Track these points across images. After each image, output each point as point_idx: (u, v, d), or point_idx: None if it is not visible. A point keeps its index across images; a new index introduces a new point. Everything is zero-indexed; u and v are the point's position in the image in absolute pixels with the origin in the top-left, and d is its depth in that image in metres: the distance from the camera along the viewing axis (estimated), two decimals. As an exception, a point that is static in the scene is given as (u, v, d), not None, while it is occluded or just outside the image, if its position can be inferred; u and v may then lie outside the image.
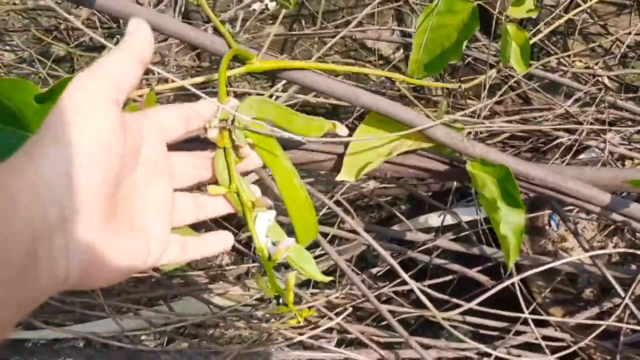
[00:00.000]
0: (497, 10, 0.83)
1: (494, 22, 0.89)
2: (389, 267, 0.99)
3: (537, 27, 1.30)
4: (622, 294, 0.66)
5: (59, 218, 0.28)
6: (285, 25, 1.65)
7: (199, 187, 0.41)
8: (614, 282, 0.67)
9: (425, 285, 0.73)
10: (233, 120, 0.40)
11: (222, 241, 0.40)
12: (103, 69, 0.32)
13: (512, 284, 0.72)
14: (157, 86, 0.50)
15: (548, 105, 1.16)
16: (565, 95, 1.30)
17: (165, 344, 0.91)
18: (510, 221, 0.58)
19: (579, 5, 0.94)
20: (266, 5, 1.66)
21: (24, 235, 0.26)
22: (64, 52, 1.48)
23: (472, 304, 0.62)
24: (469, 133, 0.88)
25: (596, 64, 1.36)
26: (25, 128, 0.46)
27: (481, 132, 0.96)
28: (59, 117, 0.29)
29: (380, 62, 1.50)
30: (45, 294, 0.29)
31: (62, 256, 0.28)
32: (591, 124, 0.87)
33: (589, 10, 1.50)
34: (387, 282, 0.90)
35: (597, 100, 0.91)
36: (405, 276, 0.63)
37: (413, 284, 0.61)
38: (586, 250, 0.67)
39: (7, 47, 1.53)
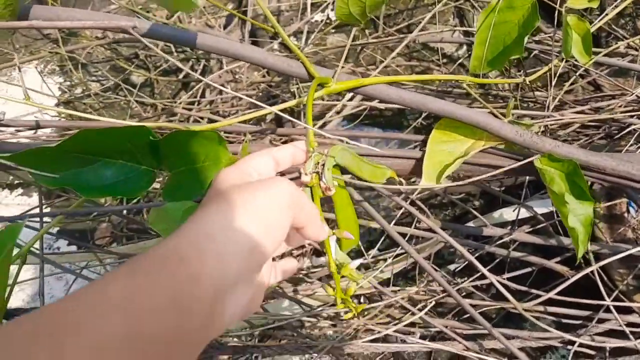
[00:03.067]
0: (557, 3, 0.84)
1: (556, 11, 0.90)
2: (466, 262, 1.02)
3: (605, 12, 1.28)
4: None
5: (235, 278, 0.36)
6: (346, 32, 1.70)
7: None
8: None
9: (504, 278, 0.75)
10: (323, 165, 0.47)
11: (292, 264, 0.51)
12: (244, 164, 0.45)
13: (592, 272, 0.73)
14: (245, 114, 0.56)
15: (620, 90, 1.14)
16: (638, 78, 1.27)
17: (257, 341, 0.97)
18: (579, 213, 0.60)
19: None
20: (327, 15, 1.72)
21: (209, 294, 0.35)
22: (144, 79, 1.60)
23: (552, 294, 0.64)
24: (540, 127, 0.89)
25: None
26: (140, 162, 0.54)
27: (552, 125, 0.97)
28: (226, 206, 0.38)
29: (444, 60, 1.51)
30: (208, 340, 0.36)
31: (231, 310, 0.37)
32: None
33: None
34: (465, 277, 0.93)
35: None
36: (484, 270, 0.66)
37: (492, 278, 0.64)
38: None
39: (93, 78, 1.67)
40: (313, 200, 0.50)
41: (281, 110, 0.60)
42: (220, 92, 1.32)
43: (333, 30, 1.68)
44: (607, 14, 0.90)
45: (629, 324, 0.77)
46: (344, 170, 0.56)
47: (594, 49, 0.81)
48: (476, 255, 0.83)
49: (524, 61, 1.38)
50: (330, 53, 1.55)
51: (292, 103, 0.65)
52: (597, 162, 0.64)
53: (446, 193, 1.02)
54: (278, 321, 0.67)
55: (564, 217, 0.62)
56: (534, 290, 0.75)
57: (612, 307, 0.70)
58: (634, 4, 1.41)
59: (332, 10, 1.71)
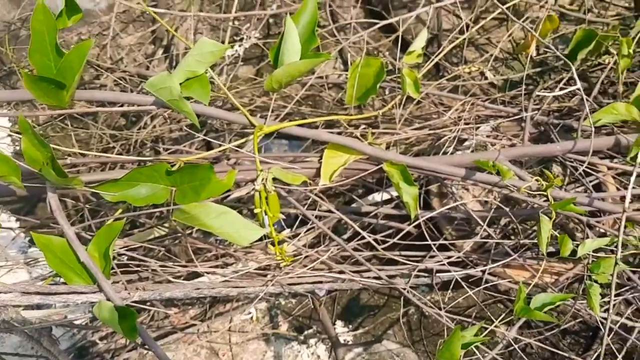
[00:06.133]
0: (397, 60, 1.33)
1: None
2: (353, 230, 1.50)
3: (442, 47, 1.81)
4: (481, 224, 1.18)
5: None
6: (253, 64, 2.16)
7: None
8: (477, 219, 1.19)
9: (375, 239, 1.24)
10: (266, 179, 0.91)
11: None
12: None
13: (424, 227, 1.24)
14: (200, 153, 1.00)
15: (448, 106, 1.68)
16: (464, 92, 1.82)
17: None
18: (409, 193, 1.10)
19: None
20: (236, 51, 2.15)
21: None
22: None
23: (395, 239, 1.14)
24: (387, 144, 1.38)
25: (485, 68, 1.91)
26: (160, 183, 0.95)
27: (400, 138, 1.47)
28: None
29: (329, 84, 2.00)
30: None
31: None
32: (466, 123, 1.38)
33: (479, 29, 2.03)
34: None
35: (469, 106, 1.43)
36: (360, 230, 1.14)
37: (366, 235, 1.12)
38: (463, 205, 1.19)
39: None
40: (260, 199, 0.95)
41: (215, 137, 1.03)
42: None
43: (242, 63, 2.11)
44: (442, 49, 1.39)
45: (449, 257, 1.29)
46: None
47: (432, 77, 1.31)
48: (357, 223, 1.31)
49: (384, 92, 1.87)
50: (241, 83, 1.98)
51: (241, 142, 1.08)
52: (417, 164, 1.14)
53: (338, 185, 1.49)
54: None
55: (401, 196, 1.11)
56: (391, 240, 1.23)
57: (434, 247, 1.20)
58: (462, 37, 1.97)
59: (239, 46, 2.15)
